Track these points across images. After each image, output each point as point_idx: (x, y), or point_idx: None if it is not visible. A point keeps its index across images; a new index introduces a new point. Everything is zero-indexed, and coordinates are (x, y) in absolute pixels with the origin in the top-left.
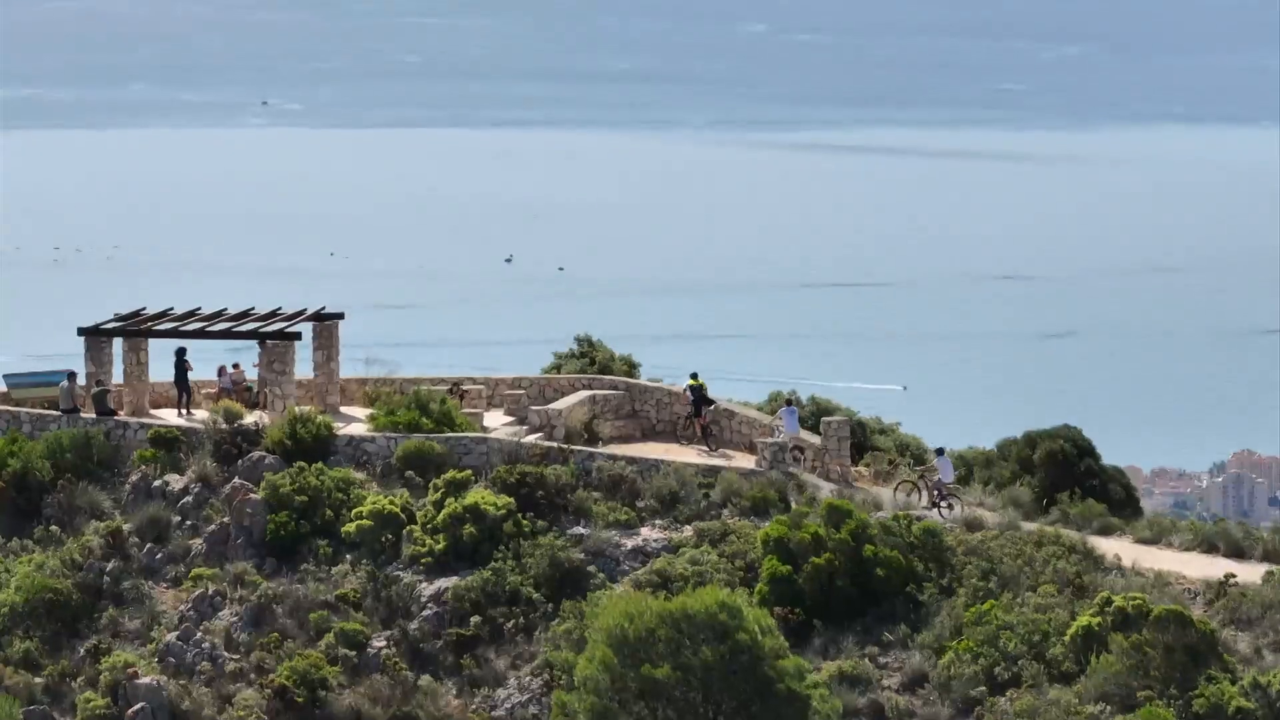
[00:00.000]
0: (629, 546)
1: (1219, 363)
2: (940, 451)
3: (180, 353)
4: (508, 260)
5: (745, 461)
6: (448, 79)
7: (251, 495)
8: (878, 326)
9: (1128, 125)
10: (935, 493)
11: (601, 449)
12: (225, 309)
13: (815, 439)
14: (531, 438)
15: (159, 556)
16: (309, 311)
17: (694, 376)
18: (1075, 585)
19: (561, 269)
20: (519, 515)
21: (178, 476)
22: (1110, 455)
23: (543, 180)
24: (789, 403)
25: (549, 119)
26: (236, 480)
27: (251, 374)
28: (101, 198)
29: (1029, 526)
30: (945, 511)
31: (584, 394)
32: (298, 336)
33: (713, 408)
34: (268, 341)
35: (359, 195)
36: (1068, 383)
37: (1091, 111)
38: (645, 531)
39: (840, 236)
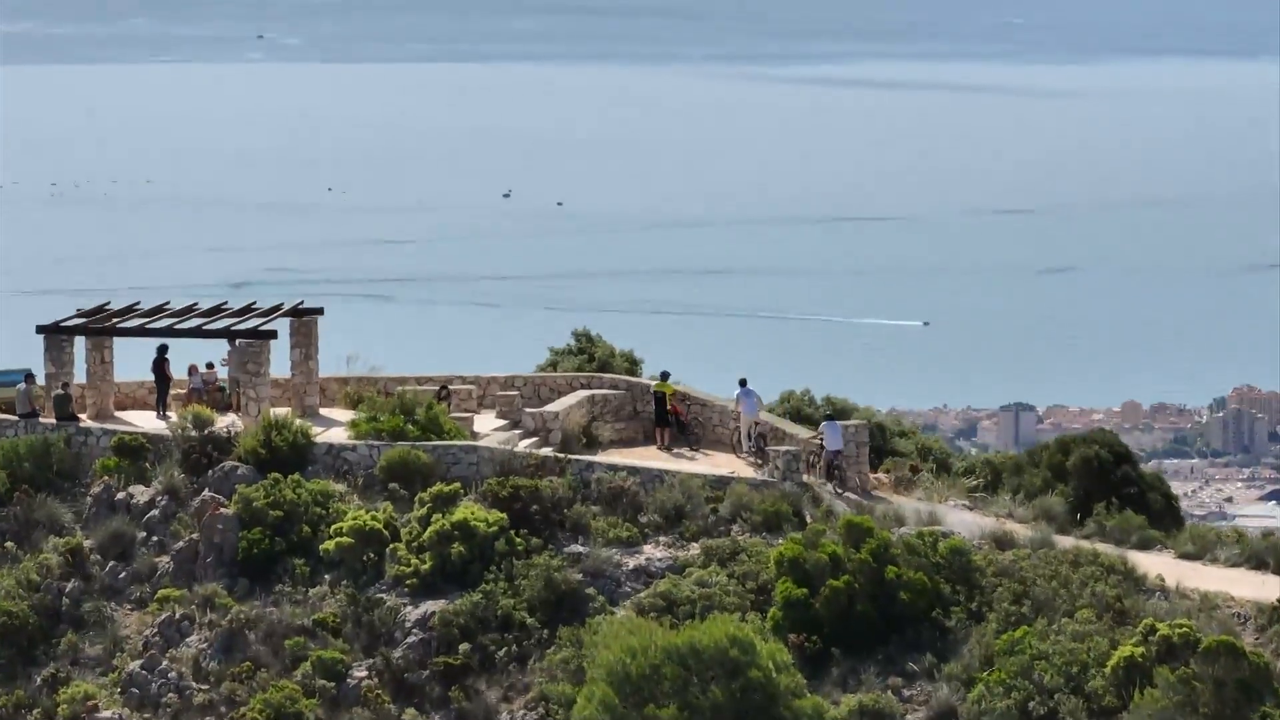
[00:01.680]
0: (631, 566)
1: (1219, 297)
2: (830, 417)
3: (162, 350)
4: (506, 195)
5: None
6: (445, 13)
7: (222, 509)
8: (879, 261)
9: (1128, 59)
10: (824, 465)
11: (601, 458)
12: (196, 303)
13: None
14: (525, 443)
15: (122, 576)
16: (286, 306)
17: (663, 378)
18: (1116, 610)
19: (560, 204)
20: (512, 532)
21: (143, 488)
22: (1109, 392)
23: (542, 115)
24: (743, 383)
25: (548, 53)
26: (206, 493)
27: (223, 372)
28: (99, 133)
29: (1064, 542)
30: (835, 486)
31: (582, 394)
32: (273, 335)
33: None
34: (238, 341)
35: (356, 130)
36: (1068, 318)
37: (1092, 45)
38: (648, 549)
39: (838, 171)
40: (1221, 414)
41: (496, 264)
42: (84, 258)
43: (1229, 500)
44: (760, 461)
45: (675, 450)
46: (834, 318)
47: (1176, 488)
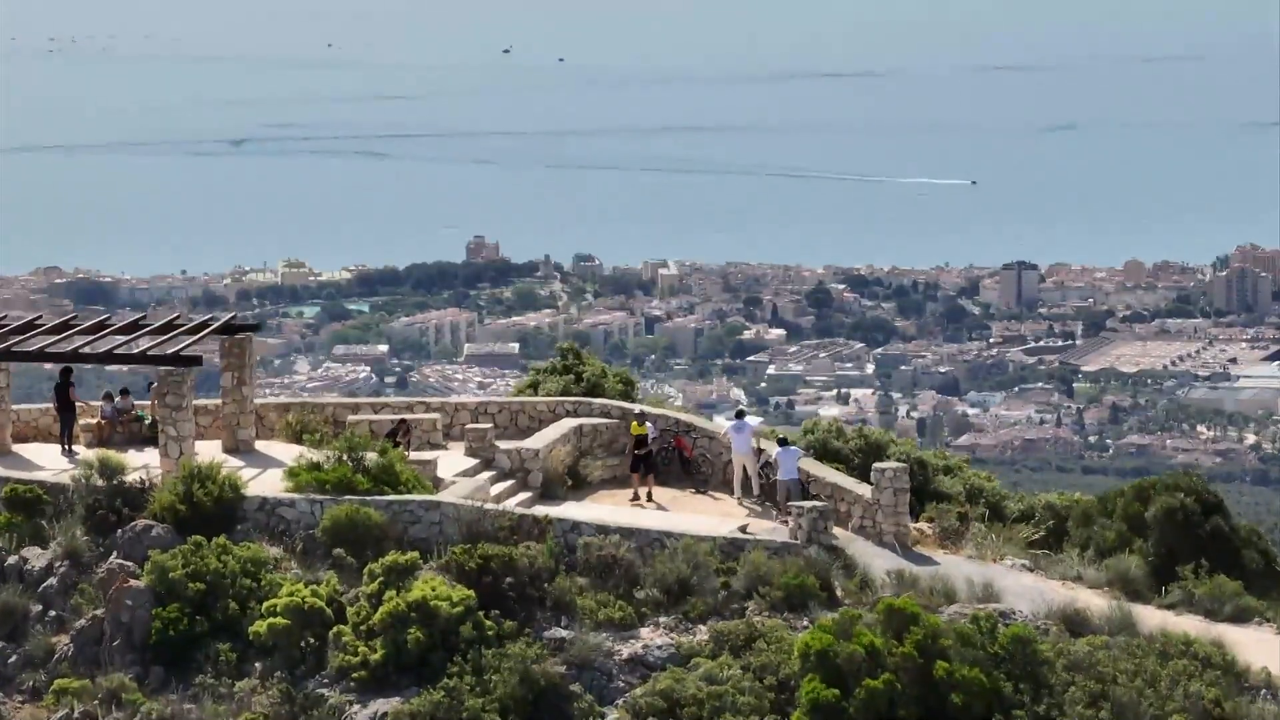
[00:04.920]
0: (625, 655)
1: (1223, 154)
2: (784, 442)
3: (65, 373)
4: (506, 51)
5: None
6: None
7: (133, 581)
8: (874, 118)
9: None
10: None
11: (588, 514)
12: (109, 317)
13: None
14: (499, 488)
15: (13, 660)
16: (216, 323)
17: (639, 419)
18: (1214, 716)
19: (561, 60)
20: (480, 614)
21: (39, 550)
22: (1112, 251)
23: None
24: (739, 415)
25: None
26: (114, 560)
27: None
28: None
29: (1146, 617)
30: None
31: (568, 424)
32: (196, 361)
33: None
34: (159, 369)
35: None
36: (1070, 176)
37: None
38: (646, 633)
39: (836, 26)
40: (1225, 273)
41: (496, 120)
42: (83, 113)
43: (1232, 361)
44: (765, 504)
45: (653, 501)
46: (869, 177)
47: (1179, 348)
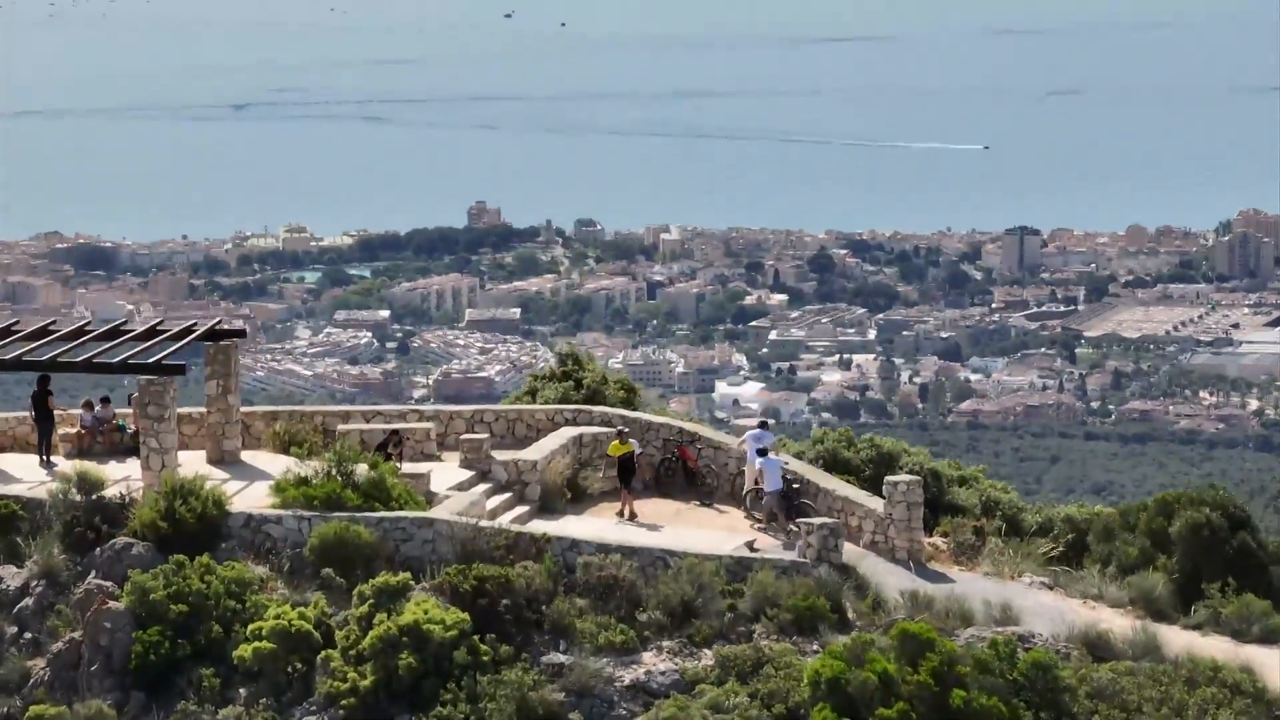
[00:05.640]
0: (627, 681)
1: (1225, 120)
2: (763, 452)
3: (43, 381)
4: (508, 16)
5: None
6: None
7: (112, 602)
8: (876, 81)
9: None
10: (770, 511)
11: (587, 531)
12: (88, 322)
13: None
14: (495, 501)
15: None
16: (200, 329)
17: (620, 438)
18: None
19: (564, 24)
20: (475, 638)
21: (15, 569)
22: (1114, 216)
23: None
24: (762, 425)
25: None
26: (92, 580)
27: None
28: None
29: (1171, 639)
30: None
31: (568, 433)
32: (180, 370)
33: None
34: (140, 379)
35: None
36: (1073, 141)
37: None
38: (648, 658)
39: None
40: (1227, 238)
41: (498, 85)
42: (84, 79)
43: (1235, 326)
44: (762, 522)
45: (638, 520)
46: (879, 142)
47: (1181, 314)
